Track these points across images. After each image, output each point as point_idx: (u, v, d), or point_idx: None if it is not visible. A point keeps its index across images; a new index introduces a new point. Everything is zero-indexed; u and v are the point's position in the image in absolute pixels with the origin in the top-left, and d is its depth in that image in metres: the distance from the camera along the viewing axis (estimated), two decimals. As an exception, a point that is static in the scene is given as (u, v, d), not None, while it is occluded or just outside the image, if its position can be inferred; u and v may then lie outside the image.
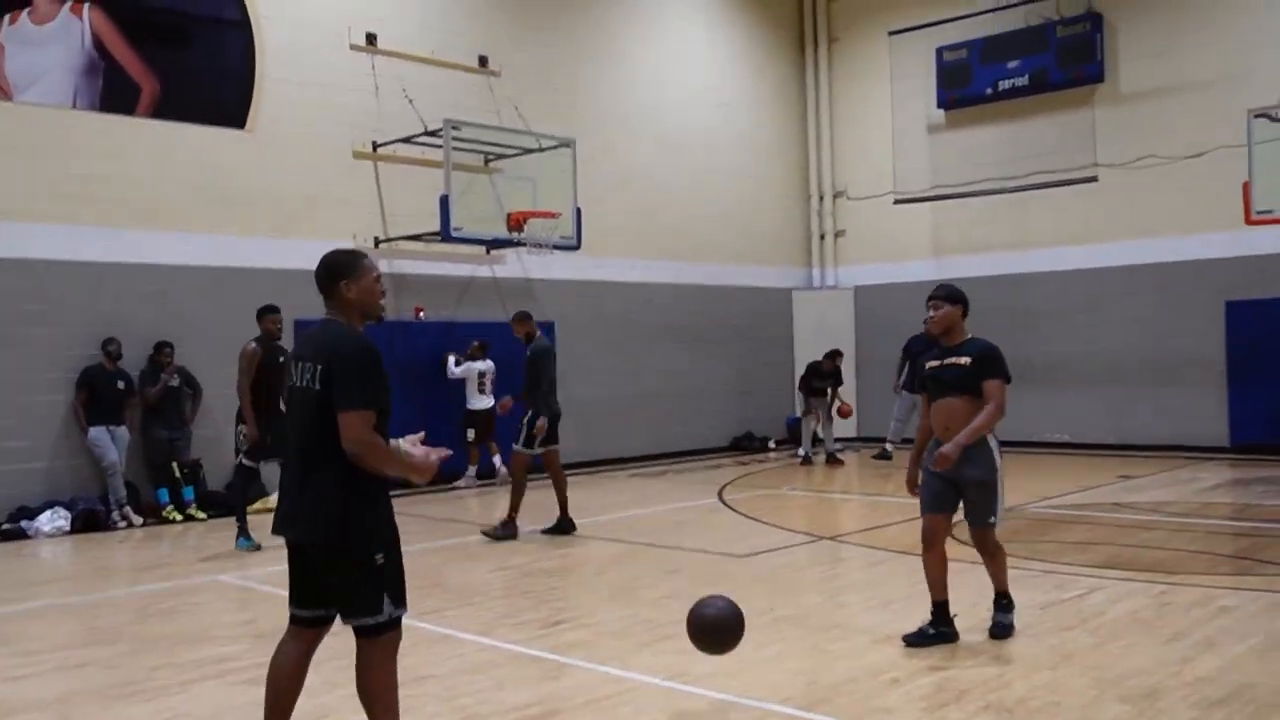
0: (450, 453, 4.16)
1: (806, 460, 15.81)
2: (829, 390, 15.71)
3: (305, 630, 4.13)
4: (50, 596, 8.06)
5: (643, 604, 7.26)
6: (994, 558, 6.11)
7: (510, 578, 8.24)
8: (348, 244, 13.38)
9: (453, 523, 11.26)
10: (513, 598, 7.49)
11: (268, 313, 9.77)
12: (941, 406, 6.00)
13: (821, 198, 19.66)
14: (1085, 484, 12.80)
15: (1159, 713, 4.82)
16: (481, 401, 14.01)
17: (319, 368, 3.95)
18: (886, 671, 5.52)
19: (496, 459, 14.19)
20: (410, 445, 4.05)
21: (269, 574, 8.58)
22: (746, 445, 18.18)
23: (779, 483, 13.94)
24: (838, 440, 16.09)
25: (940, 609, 5.99)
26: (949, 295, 6.15)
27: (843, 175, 19.56)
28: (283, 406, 6.41)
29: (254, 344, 9.57)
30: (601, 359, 16.34)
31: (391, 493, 4.09)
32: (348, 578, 3.93)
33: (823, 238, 19.67)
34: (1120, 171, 16.38)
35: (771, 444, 18.29)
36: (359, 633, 3.97)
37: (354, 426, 3.83)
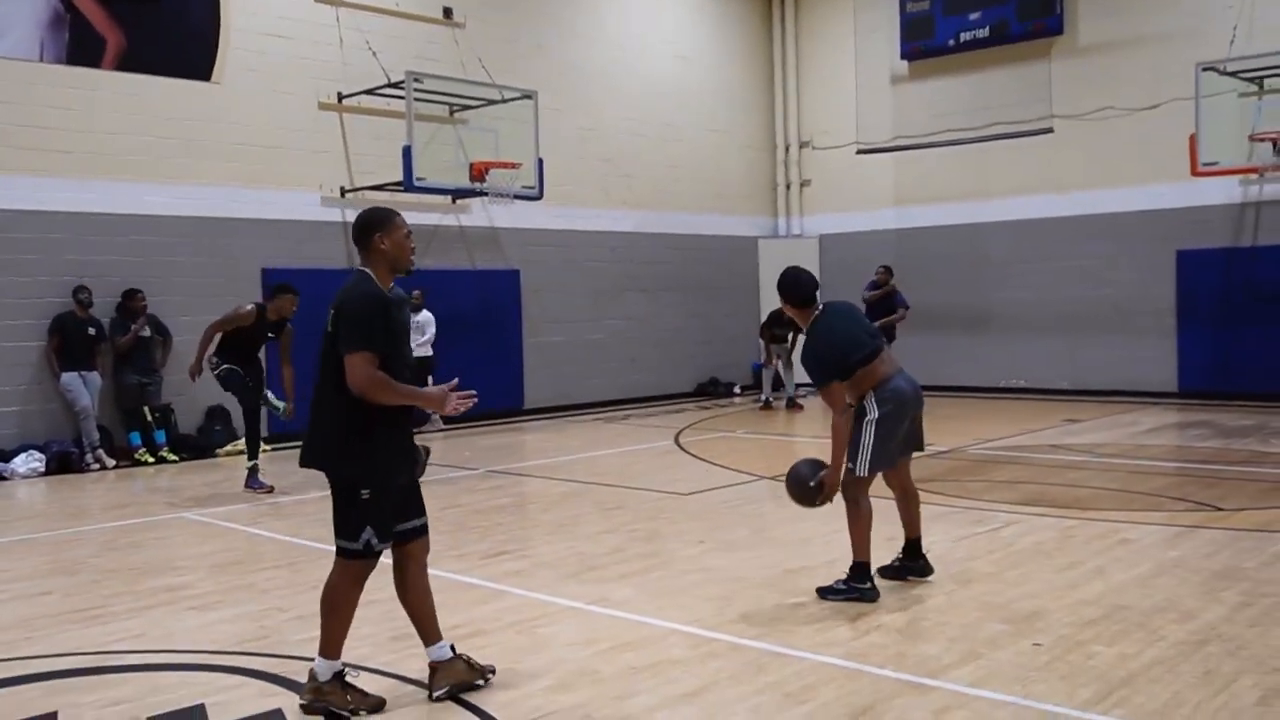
0: (473, 392, 4.49)
1: (767, 405, 16.25)
2: (789, 337, 16.10)
3: (396, 549, 4.51)
4: (20, 533, 8.45)
5: (581, 538, 7.69)
6: (851, 506, 6.02)
7: (460, 514, 8.65)
8: (315, 194, 13.80)
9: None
10: (459, 532, 7.89)
11: (283, 293, 9.74)
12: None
13: (788, 148, 19.93)
14: (1029, 427, 13.25)
15: (1035, 631, 5.26)
16: (420, 351, 13.92)
17: (331, 314, 4.34)
18: (792, 598, 5.95)
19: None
20: (439, 388, 4.46)
21: (231, 511, 9.00)
22: (711, 391, 18.61)
23: (736, 426, 14.40)
24: (799, 386, 16.50)
25: (909, 545, 6.27)
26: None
27: (808, 126, 19.83)
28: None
29: (253, 307, 9.78)
30: (567, 307, 16.70)
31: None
32: (337, 504, 4.38)
33: (789, 187, 19.98)
34: (1077, 123, 16.68)
35: (736, 389, 18.71)
36: (338, 553, 4.39)
37: (355, 366, 4.20)
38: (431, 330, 14.04)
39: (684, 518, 8.32)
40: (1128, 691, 4.41)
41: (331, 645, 4.41)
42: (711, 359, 18.79)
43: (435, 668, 4.53)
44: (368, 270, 4.46)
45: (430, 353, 13.79)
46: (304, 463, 4.47)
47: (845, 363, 5.88)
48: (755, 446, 12.63)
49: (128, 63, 12.28)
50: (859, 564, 5.92)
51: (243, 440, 12.69)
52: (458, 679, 4.52)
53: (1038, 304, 17.25)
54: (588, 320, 16.98)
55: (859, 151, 18.53)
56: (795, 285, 6.05)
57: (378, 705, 4.39)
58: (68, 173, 11.87)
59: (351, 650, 4.62)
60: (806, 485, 5.98)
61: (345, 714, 4.30)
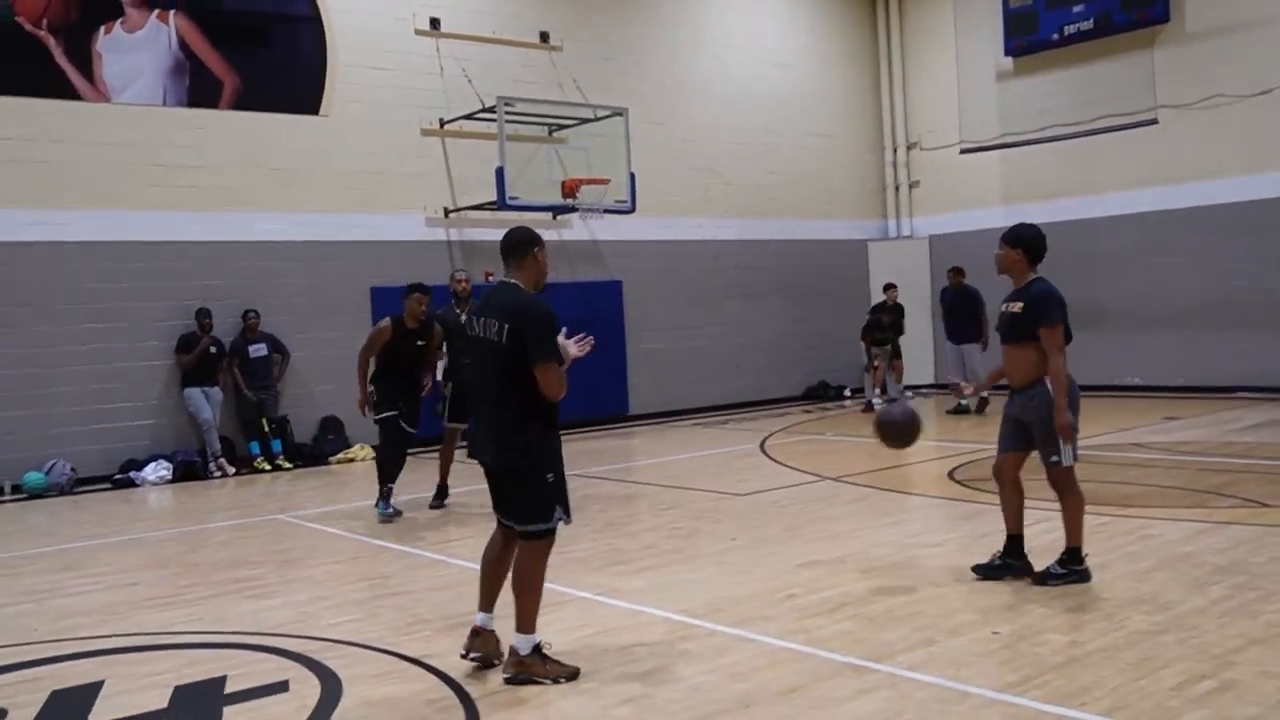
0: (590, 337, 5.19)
1: (869, 408, 16.35)
2: (891, 339, 16.25)
3: (507, 529, 5.06)
4: (133, 533, 9.42)
5: (622, 535, 8.16)
6: (1062, 500, 6.12)
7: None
8: (420, 216, 14.65)
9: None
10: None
11: (411, 292, 9.26)
12: (1003, 352, 6.25)
13: (895, 149, 19.98)
14: (1125, 425, 13.09)
15: (1003, 621, 5.48)
16: None
17: (505, 326, 4.79)
18: (788, 590, 6.28)
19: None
20: (564, 340, 5.04)
21: (320, 513, 9.81)
22: (820, 395, 18.80)
23: (829, 430, 14.61)
24: (907, 390, 16.58)
25: (1012, 542, 6.27)
26: (1009, 237, 6.32)
27: (916, 126, 19.84)
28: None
29: (388, 321, 9.20)
30: (670, 315, 17.18)
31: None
32: (525, 493, 4.89)
33: (897, 189, 20.01)
34: (1185, 113, 16.29)
35: (846, 393, 18.84)
36: (525, 536, 4.92)
37: (551, 375, 4.78)
38: None
39: (729, 517, 8.69)
40: (1054, 676, 4.63)
41: (529, 621, 4.89)
42: (821, 363, 18.97)
43: (478, 631, 5.04)
44: (518, 283, 4.96)
45: None
46: (494, 461, 4.97)
47: (1068, 324, 6.00)
48: (837, 449, 12.84)
49: (242, 102, 13.34)
50: (1074, 549, 6.10)
51: (354, 448, 13.73)
52: (490, 649, 5.03)
53: (1151, 299, 16.88)
54: (690, 327, 17.43)
55: (963, 151, 18.47)
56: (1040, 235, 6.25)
57: (575, 674, 4.87)
58: (190, 206, 12.98)
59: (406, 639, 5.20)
60: (902, 425, 6.57)
61: (546, 682, 4.80)
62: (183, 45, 12.95)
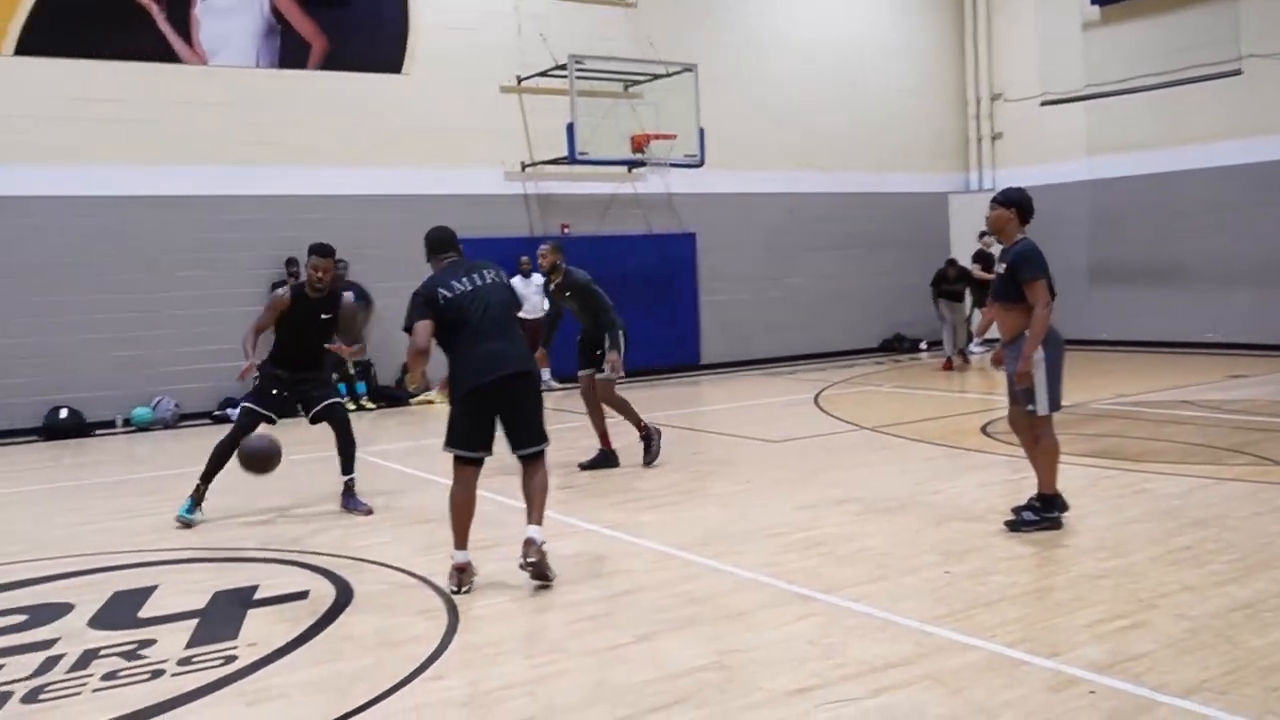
0: None
1: (949, 364, 16.13)
2: (964, 291, 16.26)
3: (476, 469, 5.84)
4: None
5: (647, 476, 8.75)
6: (1036, 447, 6.44)
7: (563, 454, 9.83)
8: (498, 170, 15.31)
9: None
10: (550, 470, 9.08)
11: (310, 254, 8.30)
12: (995, 311, 6.64)
13: (979, 101, 19.92)
14: (1182, 382, 13.14)
15: (960, 562, 5.92)
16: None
17: (499, 274, 6.09)
18: (777, 530, 6.80)
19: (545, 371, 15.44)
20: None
21: (386, 450, 10.63)
22: (896, 347, 19.04)
23: (889, 382, 14.93)
24: (981, 344, 16.67)
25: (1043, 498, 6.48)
26: (999, 198, 6.65)
27: (999, 78, 19.74)
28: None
29: (287, 292, 8.20)
30: (743, 267, 17.60)
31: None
32: (537, 405, 5.87)
33: (980, 141, 19.97)
34: (1272, 63, 15.95)
35: (923, 345, 19.04)
36: (540, 455, 5.89)
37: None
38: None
39: (752, 461, 9.22)
40: (980, 611, 5.08)
41: (539, 514, 5.81)
42: (898, 315, 19.18)
43: (529, 542, 5.74)
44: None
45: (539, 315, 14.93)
46: (525, 369, 5.85)
47: (1050, 280, 6.36)
48: (889, 400, 13.18)
49: (329, 62, 14.15)
50: (1045, 496, 6.44)
51: (434, 391, 14.54)
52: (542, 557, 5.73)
53: (1232, 255, 16.66)
54: (764, 279, 17.82)
55: (1044, 103, 18.36)
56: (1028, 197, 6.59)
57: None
58: (280, 161, 13.87)
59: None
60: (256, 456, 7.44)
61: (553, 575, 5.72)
62: (274, 9, 13.78)
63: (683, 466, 9.08)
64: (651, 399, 13.79)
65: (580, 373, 9.23)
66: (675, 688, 4.23)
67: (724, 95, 16.50)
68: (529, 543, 5.68)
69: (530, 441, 5.87)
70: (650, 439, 9.14)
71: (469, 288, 5.88)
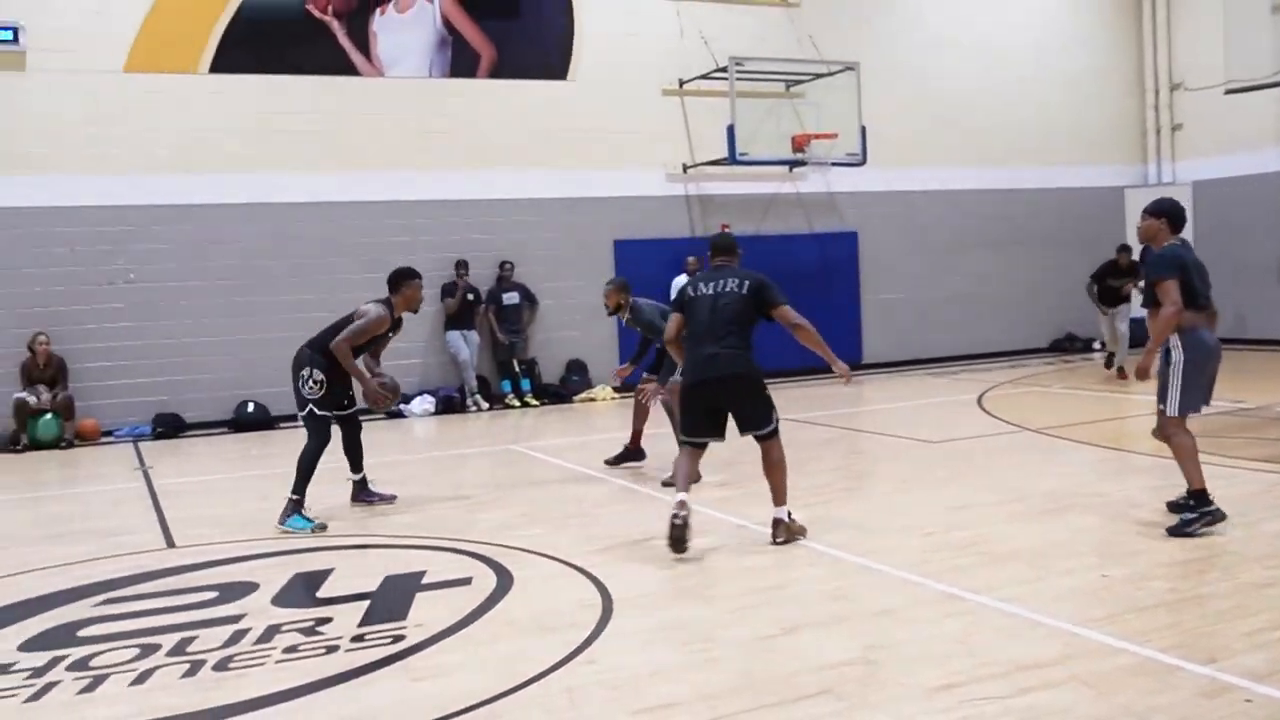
0: None
1: (1122, 371, 14.52)
2: (1128, 291, 15.42)
3: (699, 450, 6.64)
4: (391, 455, 10.90)
5: (802, 475, 8.66)
6: (1169, 445, 6.46)
7: (725, 450, 9.95)
8: (660, 172, 15.55)
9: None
10: (708, 468, 9.19)
11: (414, 278, 8.12)
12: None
13: (1157, 91, 19.17)
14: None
15: (1120, 565, 5.81)
16: None
17: (745, 282, 6.51)
18: (928, 529, 6.78)
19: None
20: None
21: (545, 445, 10.97)
22: (1067, 347, 18.49)
23: (1058, 383, 14.54)
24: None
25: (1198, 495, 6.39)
26: (1150, 209, 6.72)
27: (1180, 65, 18.95)
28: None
29: (384, 311, 7.93)
30: (907, 265, 17.40)
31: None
32: (759, 402, 6.49)
33: (1158, 132, 19.22)
34: None
35: (1096, 345, 18.42)
36: (768, 436, 6.54)
37: (791, 310, 6.54)
38: None
39: (910, 461, 9.18)
40: (1135, 615, 4.95)
41: (784, 495, 6.57)
42: (1069, 314, 18.59)
43: (776, 522, 6.55)
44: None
45: None
46: (732, 372, 6.42)
47: (1189, 283, 6.29)
48: (1057, 402, 12.86)
49: (498, 70, 14.65)
50: (1196, 491, 6.35)
51: (596, 388, 14.92)
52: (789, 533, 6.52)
53: None
54: (929, 277, 17.57)
55: (1229, 91, 17.50)
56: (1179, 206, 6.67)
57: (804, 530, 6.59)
58: (452, 167, 14.43)
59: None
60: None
61: (801, 538, 6.53)
62: (445, 22, 14.35)
63: (839, 466, 9.11)
64: (812, 398, 13.81)
65: (645, 374, 9.40)
66: (819, 680, 4.32)
67: (886, 93, 16.36)
68: (776, 523, 6.56)
69: (752, 427, 6.55)
70: (631, 454, 9.28)
71: (708, 292, 6.56)
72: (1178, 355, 6.31)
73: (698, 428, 6.56)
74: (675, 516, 6.19)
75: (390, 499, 8.34)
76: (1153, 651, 4.44)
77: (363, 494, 8.29)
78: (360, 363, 7.91)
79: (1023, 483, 8.02)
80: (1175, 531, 6.32)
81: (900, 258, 17.34)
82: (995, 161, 17.98)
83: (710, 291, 6.56)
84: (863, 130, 15.13)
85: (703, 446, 6.62)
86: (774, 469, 6.56)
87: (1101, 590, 5.40)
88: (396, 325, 8.08)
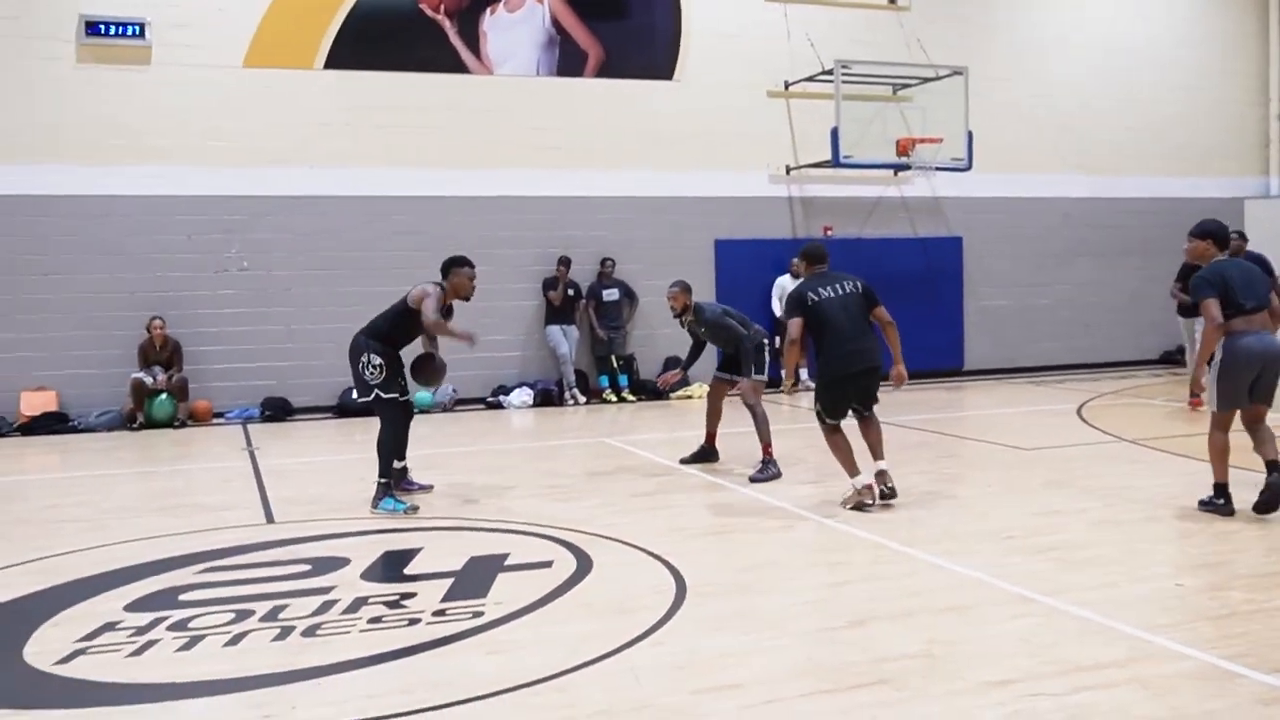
0: None
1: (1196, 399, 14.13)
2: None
3: (837, 426, 7.58)
4: (488, 444, 11.21)
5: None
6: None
7: (811, 451, 10.01)
8: (763, 173, 15.62)
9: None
10: (797, 467, 9.26)
11: (463, 265, 8.33)
12: None
13: (1282, 100, 18.57)
14: None
15: (1197, 575, 5.76)
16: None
17: (858, 284, 7.55)
18: (1010, 532, 6.77)
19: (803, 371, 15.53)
20: None
21: (637, 439, 11.15)
22: (1179, 360, 17.96)
23: (1164, 395, 14.21)
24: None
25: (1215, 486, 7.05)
26: (1195, 231, 7.24)
27: (1308, 75, 18.34)
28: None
29: (439, 289, 8.12)
30: (1011, 273, 17.15)
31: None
32: (877, 385, 7.63)
33: (1282, 143, 18.62)
34: None
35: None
36: (871, 410, 7.68)
37: (885, 310, 7.59)
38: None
39: (1000, 467, 9.12)
40: (1205, 624, 4.94)
41: (883, 451, 7.62)
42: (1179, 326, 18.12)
43: (881, 473, 7.51)
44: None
45: None
46: (875, 365, 7.50)
47: (1229, 297, 6.75)
48: (1159, 414, 12.58)
49: (604, 70, 14.88)
50: (1217, 484, 7.02)
51: (693, 386, 15.03)
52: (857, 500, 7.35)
53: None
54: (1034, 285, 17.29)
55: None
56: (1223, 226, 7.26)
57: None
58: (556, 165, 14.71)
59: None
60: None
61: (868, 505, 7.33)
62: (554, 21, 14.64)
63: (928, 469, 9.08)
64: (914, 402, 13.67)
65: (716, 373, 9.53)
66: (879, 670, 4.40)
67: (994, 98, 16.17)
68: (881, 474, 7.48)
69: (868, 407, 7.69)
70: (768, 464, 8.74)
71: (833, 295, 7.46)
72: (1218, 357, 6.81)
73: (842, 411, 7.60)
74: (883, 489, 7.44)
75: (428, 488, 8.49)
76: (1216, 658, 4.42)
77: (403, 482, 8.37)
78: (422, 340, 8.28)
79: (1110, 492, 7.91)
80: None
81: (1005, 264, 17.10)
82: (1106, 170, 17.61)
83: (834, 294, 7.48)
84: (969, 135, 14.99)
85: (846, 415, 7.71)
86: (877, 431, 7.68)
87: (1174, 598, 5.36)
88: (448, 313, 8.17)
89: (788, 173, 15.84)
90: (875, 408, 7.73)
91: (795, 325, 7.42)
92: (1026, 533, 6.75)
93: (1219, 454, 6.97)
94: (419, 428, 12.69)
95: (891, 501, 7.52)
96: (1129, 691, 4.09)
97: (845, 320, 7.41)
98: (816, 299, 7.45)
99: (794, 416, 13.01)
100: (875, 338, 7.54)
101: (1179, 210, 18.02)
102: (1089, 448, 10.09)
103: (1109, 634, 4.78)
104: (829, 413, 7.56)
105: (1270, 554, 6.09)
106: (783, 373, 8.21)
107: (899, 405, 12.91)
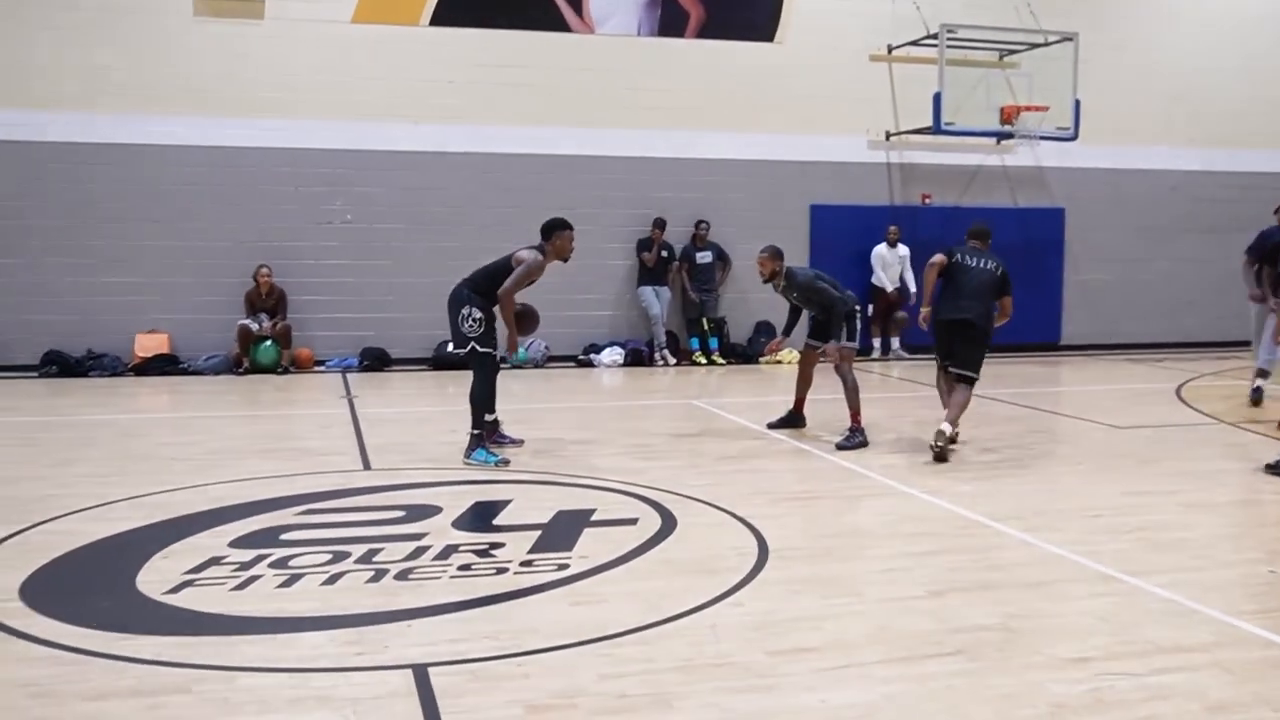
0: None
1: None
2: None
3: (947, 374, 8.53)
4: (577, 401, 11.37)
5: (979, 449, 8.74)
6: None
7: (904, 423, 10.00)
8: (862, 138, 15.50)
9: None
10: (884, 435, 9.25)
11: (566, 228, 8.42)
12: None
13: None
14: None
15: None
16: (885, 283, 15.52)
17: (997, 266, 8.42)
18: (1098, 511, 6.71)
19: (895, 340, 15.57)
20: None
21: (724, 402, 11.23)
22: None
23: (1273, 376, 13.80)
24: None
25: None
26: None
27: None
28: None
29: (540, 257, 8.27)
30: (1115, 246, 16.77)
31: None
32: (975, 346, 8.34)
33: None
34: None
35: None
36: (960, 379, 8.38)
37: (1011, 301, 8.55)
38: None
39: (1092, 445, 9.02)
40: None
41: (959, 417, 8.33)
42: (1291, 306, 17.55)
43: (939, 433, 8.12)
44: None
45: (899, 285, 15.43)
46: (967, 318, 8.28)
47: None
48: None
49: (706, 31, 14.85)
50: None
51: (784, 351, 15.00)
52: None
53: None
54: (1137, 260, 16.89)
55: None
56: None
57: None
58: (655, 125, 14.75)
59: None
60: None
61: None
62: (657, -19, 14.62)
63: (1016, 443, 9.02)
64: (1008, 375, 13.50)
65: (808, 340, 9.50)
66: (954, 640, 4.44)
67: (1104, 66, 15.77)
68: (939, 433, 8.08)
69: (959, 366, 8.42)
70: (855, 432, 8.72)
71: (972, 265, 8.41)
72: None
73: (942, 353, 8.58)
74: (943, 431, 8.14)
75: (519, 443, 8.64)
76: (1302, 644, 4.39)
77: (495, 435, 8.52)
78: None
79: (1204, 474, 7.80)
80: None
81: (1109, 238, 16.72)
82: (1216, 142, 17.06)
83: (974, 265, 8.41)
84: (1076, 104, 14.66)
85: (945, 370, 8.56)
86: (958, 404, 8.31)
87: (1263, 585, 5.30)
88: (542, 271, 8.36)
89: (887, 138, 15.66)
90: (970, 376, 8.38)
91: (934, 268, 8.47)
92: (1114, 511, 6.69)
93: None
94: (511, 384, 12.99)
95: (977, 474, 7.50)
96: (1209, 675, 4.09)
97: (966, 284, 8.33)
98: (959, 261, 8.42)
99: (884, 385, 12.98)
100: (987, 308, 8.38)
101: (1290, 186, 17.45)
102: (1185, 429, 9.91)
103: (1193, 618, 4.76)
104: (938, 352, 8.72)
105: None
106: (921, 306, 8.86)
107: (989, 380, 12.81)
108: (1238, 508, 6.81)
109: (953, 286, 8.40)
